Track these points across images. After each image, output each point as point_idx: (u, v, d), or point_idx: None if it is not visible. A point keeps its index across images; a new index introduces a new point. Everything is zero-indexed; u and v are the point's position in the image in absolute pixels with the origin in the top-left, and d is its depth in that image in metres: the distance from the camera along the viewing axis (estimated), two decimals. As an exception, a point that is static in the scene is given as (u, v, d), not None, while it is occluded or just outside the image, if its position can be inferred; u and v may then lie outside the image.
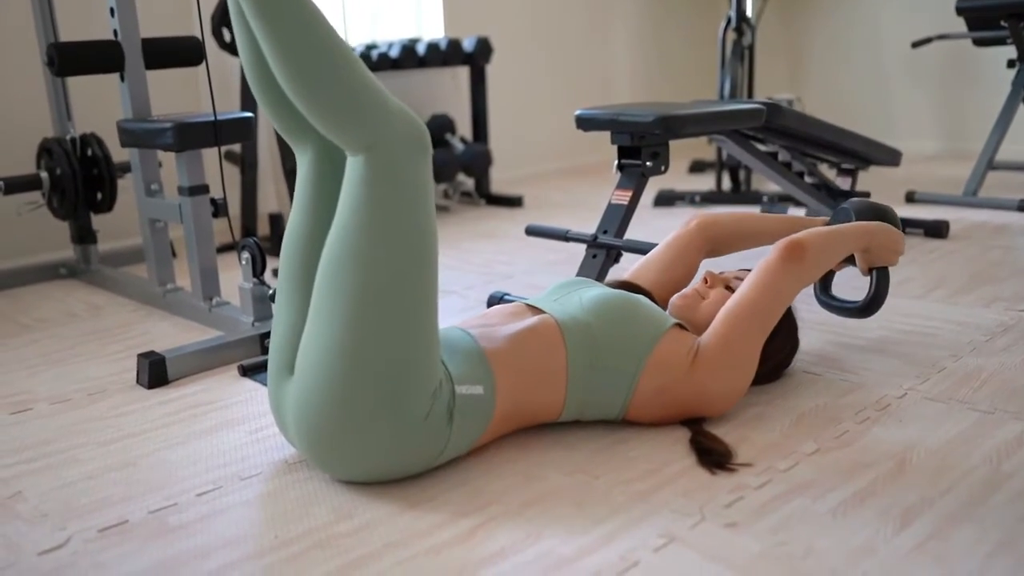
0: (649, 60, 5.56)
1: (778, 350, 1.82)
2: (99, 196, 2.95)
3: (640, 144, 2.33)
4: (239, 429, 1.79)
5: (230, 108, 3.56)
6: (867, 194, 3.14)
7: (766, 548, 1.27)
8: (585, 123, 2.41)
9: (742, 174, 4.01)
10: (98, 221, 3.16)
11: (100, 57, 2.51)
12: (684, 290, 1.83)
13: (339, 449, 1.44)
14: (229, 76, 3.69)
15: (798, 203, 3.42)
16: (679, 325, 1.69)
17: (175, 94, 3.40)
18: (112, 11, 2.52)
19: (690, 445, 1.59)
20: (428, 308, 1.44)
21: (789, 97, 4.27)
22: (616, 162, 2.43)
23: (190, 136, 2.31)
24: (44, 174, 2.92)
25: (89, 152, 2.93)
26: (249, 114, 2.43)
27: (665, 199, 3.93)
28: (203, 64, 2.69)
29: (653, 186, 4.14)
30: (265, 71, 1.53)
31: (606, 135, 2.42)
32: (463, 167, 4.08)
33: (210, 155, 3.53)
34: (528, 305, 1.72)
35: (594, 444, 1.62)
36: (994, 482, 1.42)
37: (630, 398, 1.61)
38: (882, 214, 1.96)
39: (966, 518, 1.32)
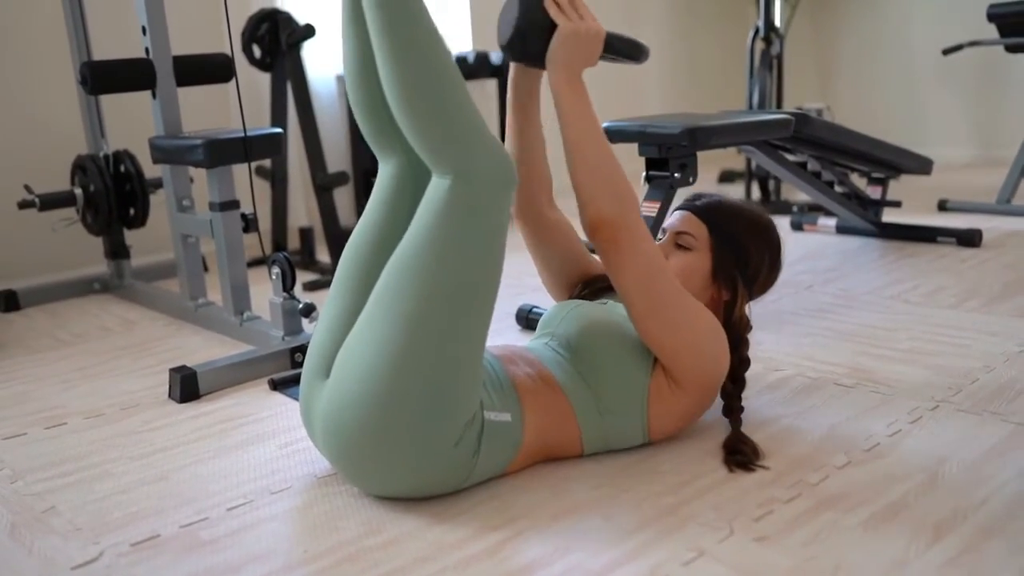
0: (678, 70, 5.55)
1: (758, 263, 1.69)
2: (132, 212, 3.00)
3: (668, 156, 2.32)
4: (270, 443, 1.80)
5: (260, 124, 3.61)
6: (892, 204, 3.11)
7: (796, 563, 1.25)
8: (612, 135, 2.41)
9: (771, 184, 3.99)
10: (131, 236, 3.21)
11: (132, 75, 2.55)
12: None
13: (363, 463, 1.45)
14: (259, 92, 3.73)
15: (829, 212, 3.39)
16: None
17: (207, 110, 3.45)
18: (144, 29, 2.56)
19: (723, 447, 1.60)
20: (478, 339, 1.45)
21: (819, 106, 4.24)
22: (644, 174, 2.43)
23: (220, 152, 2.33)
24: (78, 190, 2.97)
25: (122, 168, 2.97)
26: (279, 130, 2.46)
27: (693, 210, 3.91)
28: (233, 80, 2.73)
29: (678, 198, 4.12)
30: (368, 75, 1.54)
31: (635, 146, 2.42)
32: (491, 179, 4.09)
33: (241, 170, 3.58)
34: (528, 350, 1.67)
35: (623, 458, 1.61)
36: (1029, 496, 1.40)
37: (647, 428, 1.60)
38: (531, 23, 1.56)
39: (1000, 532, 1.30)
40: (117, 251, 3.10)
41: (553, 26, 1.55)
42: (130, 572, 1.35)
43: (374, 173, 3.81)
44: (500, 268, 1.46)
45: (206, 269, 3.17)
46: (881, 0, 5.29)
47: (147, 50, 2.57)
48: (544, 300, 2.69)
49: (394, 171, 1.59)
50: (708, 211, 1.73)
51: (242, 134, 2.34)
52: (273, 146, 2.42)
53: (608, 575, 1.25)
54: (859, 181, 3.63)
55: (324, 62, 3.88)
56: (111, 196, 2.94)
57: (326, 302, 1.61)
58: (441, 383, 1.40)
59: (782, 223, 3.61)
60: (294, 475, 1.64)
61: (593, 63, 1.59)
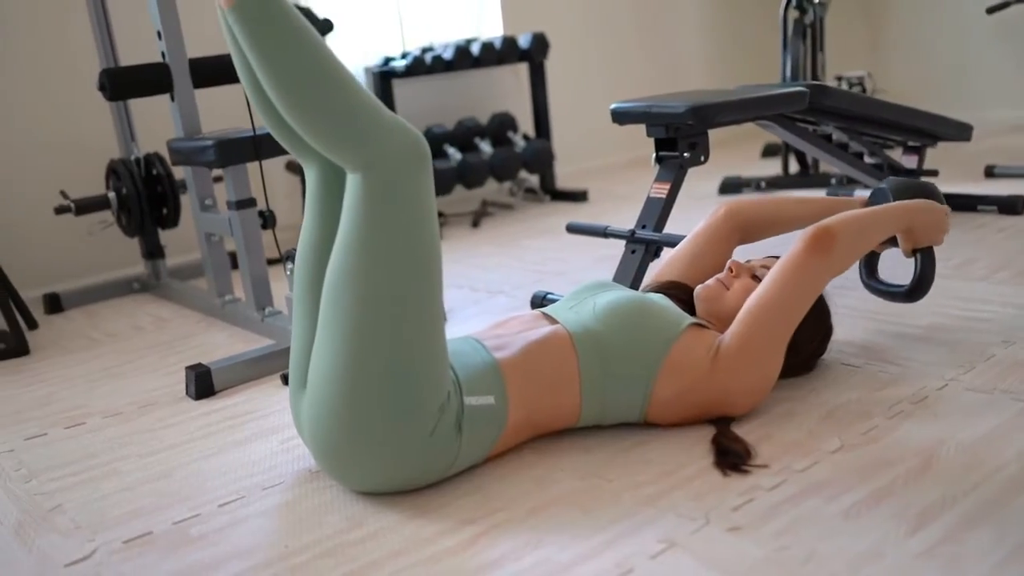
0: (721, 44, 5.44)
1: (808, 339, 1.75)
2: (164, 212, 3.07)
3: (676, 135, 2.28)
4: (272, 439, 1.83)
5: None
6: (929, 173, 3.01)
7: (767, 553, 1.23)
8: (620, 116, 2.38)
9: (810, 157, 3.88)
10: (167, 236, 3.29)
11: (150, 80, 2.60)
12: (708, 281, 1.78)
13: (347, 463, 1.46)
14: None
15: (865, 184, 3.28)
16: (698, 324, 1.64)
17: (240, 109, 3.49)
18: (159, 34, 2.60)
19: (711, 444, 1.55)
20: (430, 325, 1.44)
21: (860, 74, 4.11)
22: (654, 154, 2.38)
23: (230, 152, 2.37)
24: (111, 194, 3.05)
25: (154, 171, 3.04)
26: (289, 127, 2.48)
27: (731, 186, 3.84)
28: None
29: (718, 173, 4.06)
30: (264, 92, 1.55)
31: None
32: (524, 164, 4.08)
33: (269, 167, 3.62)
34: (544, 314, 1.70)
35: (613, 446, 1.59)
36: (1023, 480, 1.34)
37: (647, 402, 1.58)
38: (923, 191, 1.89)
39: (985, 520, 1.25)
40: (152, 251, 3.17)
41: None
42: (119, 569, 1.39)
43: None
44: (436, 245, 1.45)
45: (235, 266, 3.23)
46: (931, -41, 5.09)
47: (163, 54, 2.62)
48: (562, 285, 2.67)
49: (317, 174, 1.58)
50: None
51: (252, 134, 2.37)
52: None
53: (575, 568, 1.24)
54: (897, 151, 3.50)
55: (351, 54, 3.90)
56: (142, 198, 3.01)
57: (293, 316, 1.62)
58: (400, 374, 1.40)
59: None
60: (288, 470, 1.67)
61: (914, 237, 1.81)
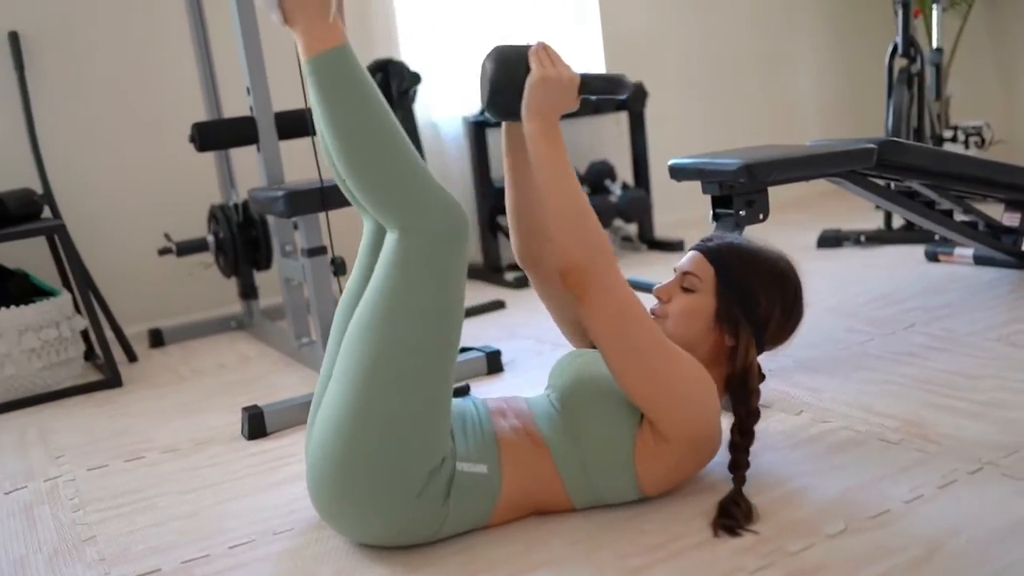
0: (834, 94, 5.25)
1: (767, 311, 1.60)
2: (258, 255, 3.23)
3: (731, 193, 2.23)
4: (301, 483, 1.88)
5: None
6: None
7: (725, 641, 1.18)
8: (676, 173, 2.35)
9: (917, 210, 3.69)
10: (262, 277, 3.45)
11: (237, 133, 2.76)
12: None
13: (334, 510, 1.50)
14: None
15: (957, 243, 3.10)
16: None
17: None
18: (248, 90, 2.76)
19: (718, 506, 1.51)
20: (436, 391, 1.47)
21: (978, 124, 3.91)
22: (711, 211, 2.34)
23: (299, 203, 2.48)
24: (210, 237, 3.24)
25: (250, 216, 3.21)
26: (357, 179, 2.58)
27: (831, 240, 3.70)
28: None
29: (822, 224, 3.93)
30: None
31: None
32: (619, 212, 4.07)
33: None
34: (527, 402, 1.67)
35: (613, 513, 1.56)
36: (1029, 581, 1.24)
37: (637, 483, 1.54)
38: (514, 57, 1.56)
39: (969, 622, 1.16)
40: (247, 292, 3.34)
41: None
42: (121, 604, 1.46)
43: (501, 211, 3.85)
44: (456, 318, 1.48)
45: (316, 309, 3.35)
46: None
47: (251, 108, 2.78)
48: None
49: (372, 229, 1.65)
50: (717, 253, 1.65)
51: (320, 185, 2.47)
52: (350, 195, 2.53)
53: (528, 640, 1.23)
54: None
55: (450, 103, 4.00)
56: (237, 242, 3.18)
57: (326, 352, 1.68)
58: (396, 435, 1.43)
59: (918, 252, 3.34)
60: (302, 516, 1.72)
61: (569, 107, 1.56)
